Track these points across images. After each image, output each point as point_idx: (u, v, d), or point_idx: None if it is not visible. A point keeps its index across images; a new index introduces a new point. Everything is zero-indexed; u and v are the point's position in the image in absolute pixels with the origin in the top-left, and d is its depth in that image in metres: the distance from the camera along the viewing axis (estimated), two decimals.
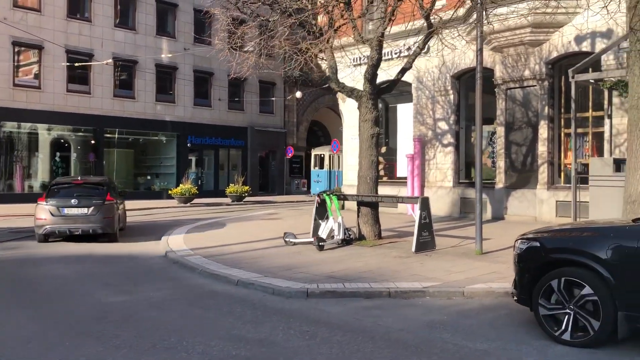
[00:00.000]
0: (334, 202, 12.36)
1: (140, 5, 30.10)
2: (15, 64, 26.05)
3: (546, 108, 15.67)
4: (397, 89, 16.04)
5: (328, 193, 12.80)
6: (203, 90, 32.83)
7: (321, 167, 33.71)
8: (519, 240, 6.28)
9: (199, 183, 31.80)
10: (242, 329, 6.24)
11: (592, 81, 13.37)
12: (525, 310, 6.17)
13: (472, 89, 15.25)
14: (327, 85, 14.95)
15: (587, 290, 5.44)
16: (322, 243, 11.36)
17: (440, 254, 10.65)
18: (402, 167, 19.63)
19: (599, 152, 14.70)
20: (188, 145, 32.01)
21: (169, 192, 27.60)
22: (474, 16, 11.84)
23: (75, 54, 27.16)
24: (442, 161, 18.31)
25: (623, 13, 11.00)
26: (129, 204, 17.23)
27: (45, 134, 28.04)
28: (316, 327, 6.30)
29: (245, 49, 14.88)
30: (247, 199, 28.95)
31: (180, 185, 27.14)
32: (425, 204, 11.31)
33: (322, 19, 13.92)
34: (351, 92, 12.85)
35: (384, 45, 13.22)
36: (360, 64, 19.27)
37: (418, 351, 5.49)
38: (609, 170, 11.47)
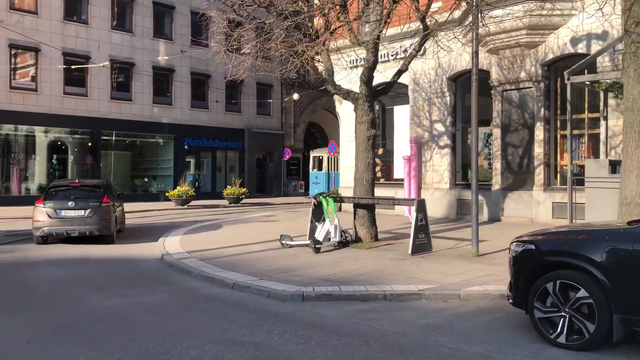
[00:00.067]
0: (330, 205, 12.37)
1: (137, 7, 30.09)
2: (12, 66, 26.03)
3: (542, 110, 15.69)
4: (393, 91, 16.07)
5: (324, 195, 12.80)
6: (200, 93, 32.83)
7: (320, 169, 33.65)
8: (515, 243, 6.28)
9: (196, 185, 31.82)
10: (237, 333, 6.23)
11: (588, 83, 13.40)
12: (521, 313, 6.16)
13: (468, 91, 15.29)
14: (324, 87, 14.95)
15: (582, 293, 5.44)
16: (319, 245, 11.35)
17: (437, 256, 10.65)
18: (399, 169, 19.65)
19: (595, 153, 14.73)
20: (185, 147, 32.00)
21: (166, 194, 27.54)
22: (470, 18, 11.85)
23: (72, 56, 27.18)
24: (439, 163, 18.31)
25: (618, 15, 11.03)
26: (127, 206, 17.22)
27: (43, 137, 27.98)
28: (311, 331, 6.29)
29: (242, 52, 14.88)
30: (244, 200, 28.92)
31: (178, 187, 27.10)
32: (421, 206, 11.32)
33: (318, 22, 13.93)
34: (347, 95, 12.85)
35: (380, 47, 13.24)
36: (356, 66, 19.28)
37: (413, 355, 5.49)
38: (605, 171, 11.47)
